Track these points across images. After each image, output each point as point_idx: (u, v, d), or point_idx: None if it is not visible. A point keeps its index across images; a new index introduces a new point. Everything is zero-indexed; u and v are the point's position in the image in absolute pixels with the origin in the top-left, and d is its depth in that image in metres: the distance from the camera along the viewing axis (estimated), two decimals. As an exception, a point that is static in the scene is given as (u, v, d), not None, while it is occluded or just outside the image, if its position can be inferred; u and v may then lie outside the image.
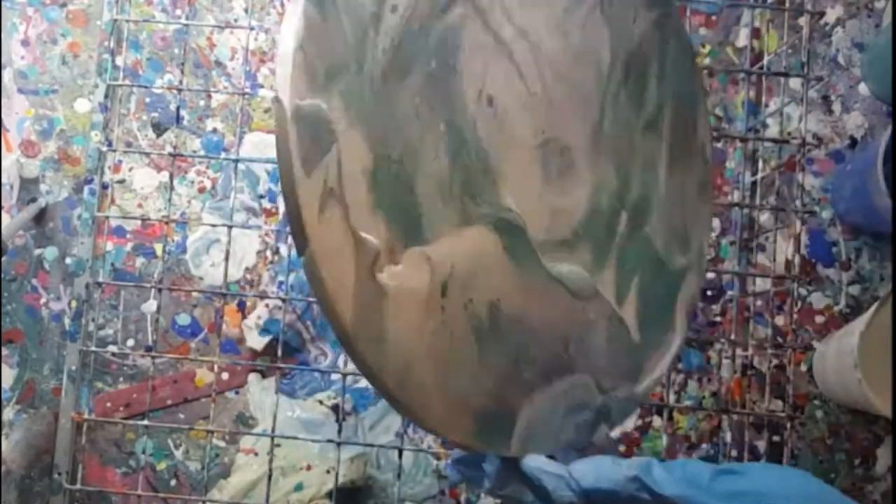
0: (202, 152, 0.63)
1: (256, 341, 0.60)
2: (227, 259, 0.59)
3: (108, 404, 0.62)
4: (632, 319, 0.42)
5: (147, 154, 0.63)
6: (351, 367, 0.61)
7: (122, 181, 0.63)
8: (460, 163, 0.37)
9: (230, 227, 0.59)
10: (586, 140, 0.41)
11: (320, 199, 0.32)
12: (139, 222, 0.63)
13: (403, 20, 0.36)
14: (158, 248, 0.63)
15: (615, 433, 0.61)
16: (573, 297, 0.40)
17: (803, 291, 0.61)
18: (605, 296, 0.41)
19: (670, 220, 0.44)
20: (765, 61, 0.61)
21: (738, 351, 0.60)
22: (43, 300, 0.63)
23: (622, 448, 0.60)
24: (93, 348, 0.60)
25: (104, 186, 0.63)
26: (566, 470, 0.36)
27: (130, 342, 0.62)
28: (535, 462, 0.36)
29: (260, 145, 0.63)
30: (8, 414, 0.62)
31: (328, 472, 0.57)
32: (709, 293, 0.62)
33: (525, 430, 0.37)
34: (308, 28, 0.33)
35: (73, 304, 0.60)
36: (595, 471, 0.35)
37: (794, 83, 0.61)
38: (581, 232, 0.41)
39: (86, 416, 0.60)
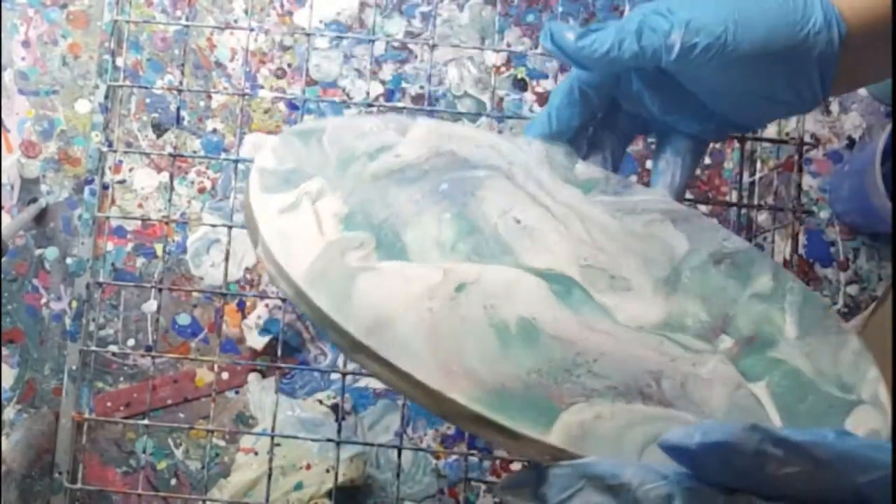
0: (202, 153, 0.63)
1: (256, 341, 0.61)
2: (227, 259, 0.59)
3: (109, 404, 0.62)
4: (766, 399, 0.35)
5: (147, 154, 0.63)
6: (351, 366, 0.61)
7: (122, 181, 0.64)
8: (471, 241, 0.35)
9: (230, 227, 0.59)
10: (651, 282, 0.38)
11: (285, 209, 0.35)
12: (139, 222, 0.63)
13: (407, 161, 0.38)
14: (159, 248, 0.63)
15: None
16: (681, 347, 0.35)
17: (801, 291, 0.61)
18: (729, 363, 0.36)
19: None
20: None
21: (737, 350, 0.60)
22: (43, 300, 0.63)
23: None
24: (93, 348, 0.60)
25: (105, 187, 0.63)
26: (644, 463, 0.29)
27: (131, 342, 0.62)
28: (606, 459, 0.29)
29: (260, 146, 0.63)
30: (8, 413, 0.62)
31: (328, 471, 0.57)
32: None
33: (578, 427, 0.32)
34: (285, 142, 0.38)
35: (74, 303, 0.61)
36: (696, 429, 0.26)
37: (793, 84, 0.62)
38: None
39: (86, 415, 0.60)
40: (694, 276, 0.39)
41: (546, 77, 0.63)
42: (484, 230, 0.36)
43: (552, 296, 0.35)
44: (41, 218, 0.63)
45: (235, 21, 0.64)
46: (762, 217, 0.62)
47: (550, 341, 0.33)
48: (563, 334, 0.33)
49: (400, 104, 0.63)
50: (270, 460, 0.56)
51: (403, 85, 0.64)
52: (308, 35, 0.62)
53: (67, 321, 0.61)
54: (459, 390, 0.31)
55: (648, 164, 0.62)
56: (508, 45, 0.64)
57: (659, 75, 0.41)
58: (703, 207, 0.62)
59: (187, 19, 0.64)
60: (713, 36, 0.37)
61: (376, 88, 0.64)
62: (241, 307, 0.62)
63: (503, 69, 0.64)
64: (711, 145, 0.59)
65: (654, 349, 0.35)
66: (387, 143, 0.39)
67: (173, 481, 0.61)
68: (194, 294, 0.62)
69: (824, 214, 0.62)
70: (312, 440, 0.57)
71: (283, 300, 0.59)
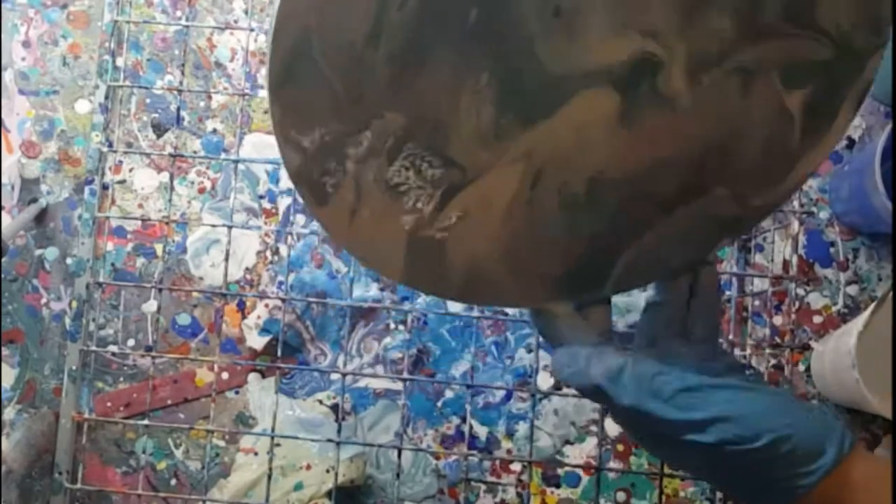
0: (202, 153, 0.63)
1: (256, 341, 0.61)
2: (227, 259, 0.59)
3: (109, 404, 0.62)
4: (798, 112, 0.35)
5: (147, 155, 0.63)
6: (350, 366, 0.61)
7: (122, 182, 0.64)
8: (515, 104, 0.33)
9: (230, 228, 0.59)
10: None
11: (347, 216, 0.34)
12: (139, 223, 0.63)
13: (420, 4, 0.31)
14: (159, 248, 0.63)
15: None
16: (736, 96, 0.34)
17: (801, 291, 0.61)
18: (774, 83, 0.34)
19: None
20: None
21: (737, 351, 0.60)
22: (44, 300, 0.63)
23: (619, 448, 0.60)
24: (93, 348, 0.60)
25: (105, 187, 0.63)
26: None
27: (131, 342, 0.62)
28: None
29: (260, 146, 0.63)
30: (9, 413, 0.62)
31: (328, 471, 0.57)
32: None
33: (623, 270, 0.36)
34: (283, 109, 0.33)
35: (74, 304, 0.61)
36: (570, 363, 0.36)
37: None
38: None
39: (86, 415, 0.60)
40: None
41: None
42: (523, 68, 0.32)
43: (618, 121, 0.34)
44: (41, 218, 0.63)
45: (235, 21, 0.64)
46: (762, 217, 0.62)
47: (612, 188, 0.34)
48: (627, 167, 0.34)
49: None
50: (270, 460, 0.56)
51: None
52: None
53: (67, 321, 0.61)
54: (537, 300, 0.36)
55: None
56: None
57: None
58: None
59: (187, 19, 0.64)
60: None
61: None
62: (241, 307, 0.62)
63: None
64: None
65: (711, 119, 0.34)
66: None
67: (173, 481, 0.61)
68: (194, 294, 0.62)
69: (824, 215, 0.62)
70: (312, 440, 0.57)
71: (283, 300, 0.59)
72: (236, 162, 0.61)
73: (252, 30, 0.62)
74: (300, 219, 0.62)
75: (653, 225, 0.35)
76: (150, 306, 0.63)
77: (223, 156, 0.63)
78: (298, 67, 0.32)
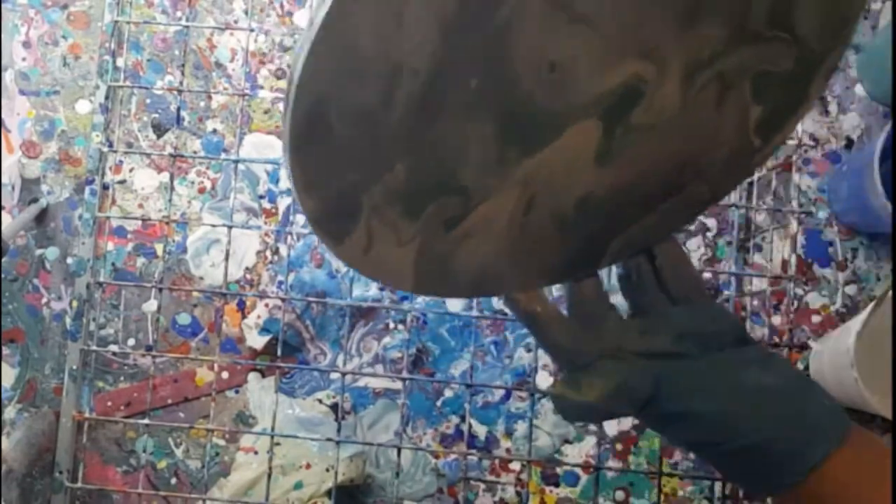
0: (202, 153, 0.64)
1: (256, 341, 0.61)
2: (227, 259, 0.59)
3: (109, 403, 0.62)
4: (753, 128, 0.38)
5: (147, 155, 0.63)
6: (350, 366, 0.61)
7: (122, 182, 0.64)
8: (514, 139, 0.36)
9: (230, 227, 0.60)
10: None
11: (361, 252, 0.37)
12: (140, 222, 0.63)
13: (428, 73, 0.33)
14: (159, 248, 0.63)
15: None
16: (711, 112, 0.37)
17: (800, 291, 0.61)
18: (745, 94, 0.37)
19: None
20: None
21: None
22: (44, 300, 0.63)
23: (618, 447, 0.61)
24: (94, 348, 0.61)
25: (105, 187, 0.63)
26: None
27: (131, 341, 0.63)
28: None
29: (260, 146, 0.63)
30: (9, 413, 0.62)
31: (327, 470, 0.57)
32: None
33: (611, 254, 0.39)
34: (302, 167, 0.34)
35: (75, 303, 0.61)
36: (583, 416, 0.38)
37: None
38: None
39: (87, 414, 0.60)
40: None
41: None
42: (524, 110, 0.35)
43: (595, 161, 0.36)
44: (42, 218, 0.63)
45: (235, 22, 0.64)
46: (761, 217, 0.62)
47: (602, 203, 0.38)
48: (610, 191, 0.37)
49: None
50: (270, 459, 0.57)
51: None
52: (308, 35, 0.62)
53: (68, 321, 0.61)
54: (536, 285, 0.39)
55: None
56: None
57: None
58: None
59: (187, 20, 0.64)
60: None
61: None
62: (241, 307, 0.62)
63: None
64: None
65: (683, 140, 0.37)
66: (391, 62, 0.32)
67: (173, 480, 0.62)
68: (194, 294, 0.62)
69: (823, 214, 0.62)
70: (312, 439, 0.57)
71: (283, 300, 0.59)
72: (236, 162, 0.61)
73: (252, 30, 0.62)
74: (300, 219, 0.62)
75: (637, 220, 0.39)
76: (151, 306, 0.63)
77: (223, 156, 0.63)
78: (316, 131, 0.34)
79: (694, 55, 0.36)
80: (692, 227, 0.62)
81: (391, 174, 0.35)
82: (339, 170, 0.35)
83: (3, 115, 0.64)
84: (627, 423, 0.61)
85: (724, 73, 0.36)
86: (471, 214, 0.37)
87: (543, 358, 0.60)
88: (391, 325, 0.62)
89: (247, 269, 0.63)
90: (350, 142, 0.34)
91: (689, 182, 0.39)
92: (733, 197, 0.62)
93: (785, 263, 0.60)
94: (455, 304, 0.60)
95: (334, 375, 0.61)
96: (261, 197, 0.63)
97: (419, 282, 0.38)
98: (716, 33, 0.35)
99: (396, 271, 0.38)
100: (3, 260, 0.61)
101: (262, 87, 0.64)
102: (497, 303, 0.61)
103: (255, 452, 0.59)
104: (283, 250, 0.63)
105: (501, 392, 0.61)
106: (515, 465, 0.61)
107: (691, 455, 0.60)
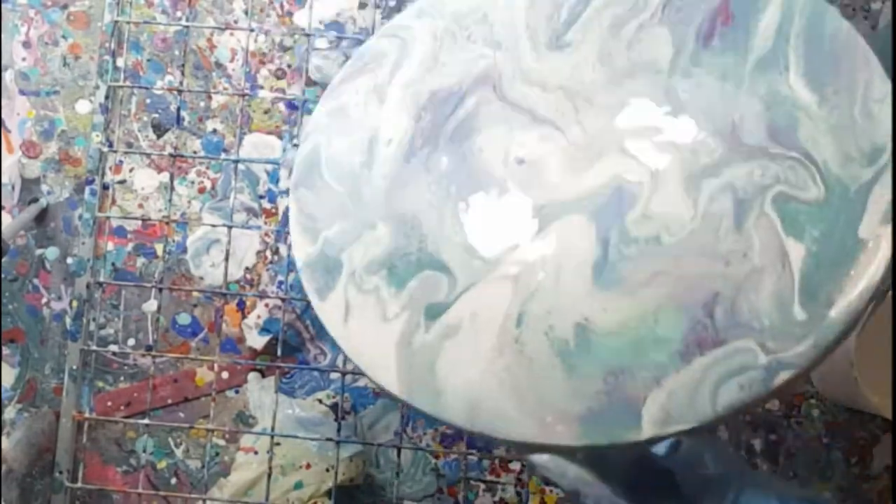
0: (202, 153, 0.64)
1: (256, 340, 0.61)
2: (227, 259, 0.59)
3: (109, 403, 0.62)
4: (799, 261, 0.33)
5: (147, 155, 0.63)
6: (350, 365, 0.61)
7: (122, 182, 0.64)
8: (495, 229, 0.37)
9: (230, 227, 0.60)
10: (656, 110, 0.36)
11: (342, 316, 0.37)
12: (140, 222, 0.63)
13: (403, 145, 0.39)
14: (159, 248, 0.63)
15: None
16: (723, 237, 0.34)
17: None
18: (770, 216, 0.33)
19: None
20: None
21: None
22: (44, 300, 0.63)
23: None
24: (94, 348, 0.61)
25: (105, 187, 0.63)
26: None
27: (131, 341, 0.63)
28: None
29: (259, 146, 0.63)
30: (9, 413, 0.62)
31: (327, 470, 0.57)
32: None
33: (661, 411, 0.32)
34: (299, 204, 0.40)
35: (75, 303, 0.61)
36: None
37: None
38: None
39: (87, 414, 0.60)
40: (690, 85, 0.36)
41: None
42: (499, 199, 0.37)
43: (594, 275, 0.34)
44: (42, 218, 0.63)
45: (235, 22, 0.64)
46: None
47: (606, 337, 0.34)
48: (614, 323, 0.34)
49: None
50: (270, 459, 0.57)
51: (403, 85, 0.64)
52: (308, 36, 0.62)
53: (68, 321, 0.61)
54: (559, 436, 0.33)
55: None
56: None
57: None
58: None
59: (187, 20, 0.64)
60: None
61: (376, 89, 0.64)
62: (241, 307, 0.62)
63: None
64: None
65: (706, 258, 0.34)
66: (373, 131, 0.40)
67: (173, 480, 0.62)
68: (194, 294, 0.62)
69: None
70: (312, 439, 0.57)
71: (283, 300, 0.59)
72: (236, 162, 0.61)
73: (252, 30, 0.62)
74: (300, 219, 0.62)
75: (669, 371, 0.33)
76: (151, 306, 0.63)
77: (223, 156, 0.63)
78: (310, 174, 0.40)
79: (689, 161, 0.35)
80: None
81: (373, 233, 0.38)
82: (327, 216, 0.39)
83: (3, 115, 0.64)
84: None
85: (735, 185, 0.34)
86: (456, 302, 0.36)
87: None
88: (391, 325, 0.62)
89: (247, 269, 0.63)
90: (337, 190, 0.39)
91: (729, 332, 0.33)
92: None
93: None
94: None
95: (334, 375, 0.61)
96: (261, 197, 0.63)
97: (403, 380, 0.35)
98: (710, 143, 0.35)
99: (378, 357, 0.36)
100: (3, 260, 0.62)
101: (262, 87, 0.64)
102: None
103: (255, 452, 0.59)
104: (283, 250, 0.63)
105: (501, 392, 0.61)
106: (515, 465, 0.61)
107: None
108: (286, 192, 0.63)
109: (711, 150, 0.35)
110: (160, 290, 0.61)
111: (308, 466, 0.58)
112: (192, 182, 0.64)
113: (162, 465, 0.62)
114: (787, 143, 0.34)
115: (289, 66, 0.64)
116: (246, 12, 0.64)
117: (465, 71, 0.40)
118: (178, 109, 0.63)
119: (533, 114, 0.38)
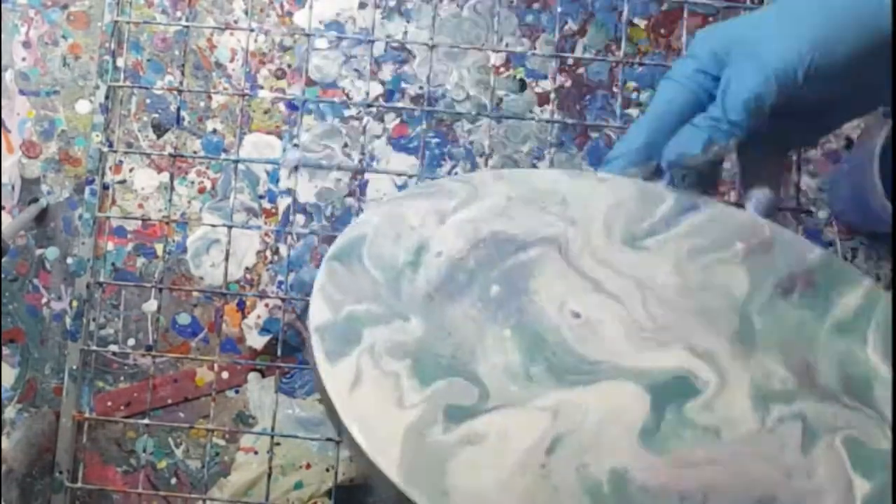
0: (202, 153, 0.64)
1: (256, 340, 0.61)
2: (227, 259, 0.59)
3: (109, 403, 0.62)
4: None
5: (147, 155, 0.63)
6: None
7: (122, 182, 0.64)
8: (542, 360, 0.34)
9: (230, 227, 0.60)
10: (727, 344, 0.36)
11: (351, 382, 0.34)
12: (140, 222, 0.63)
13: (451, 260, 0.37)
14: (159, 248, 0.63)
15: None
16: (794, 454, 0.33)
17: (800, 291, 0.61)
18: (840, 454, 0.33)
19: None
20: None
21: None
22: (44, 300, 0.63)
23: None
24: (94, 348, 0.61)
25: (105, 187, 0.63)
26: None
27: (131, 341, 0.63)
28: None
29: (260, 146, 0.63)
30: (9, 413, 0.62)
31: (328, 470, 0.57)
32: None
33: None
34: (330, 274, 0.37)
35: (75, 303, 0.61)
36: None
37: (791, 84, 0.62)
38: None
39: (87, 414, 0.60)
40: (766, 319, 0.36)
41: (545, 77, 0.64)
42: (548, 338, 0.35)
43: (640, 436, 0.33)
44: (42, 218, 0.63)
45: (235, 22, 0.64)
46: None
47: (643, 495, 0.32)
48: (656, 484, 0.32)
49: (399, 104, 0.63)
50: (270, 459, 0.57)
51: (403, 85, 0.64)
52: (308, 36, 0.62)
53: (68, 321, 0.61)
54: None
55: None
56: (507, 45, 0.64)
57: None
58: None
59: (187, 20, 0.64)
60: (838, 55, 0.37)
61: (376, 89, 0.64)
62: (241, 307, 0.62)
63: (502, 70, 0.64)
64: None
65: (768, 464, 0.33)
66: (424, 240, 0.38)
67: (173, 480, 0.62)
68: (194, 294, 0.62)
69: (822, 214, 0.62)
70: (312, 439, 0.57)
71: (283, 300, 0.59)
72: (236, 162, 0.61)
73: (252, 30, 0.62)
74: (300, 219, 0.62)
75: None
76: (151, 306, 0.63)
77: (223, 156, 0.63)
78: (349, 254, 0.39)
79: (762, 383, 0.34)
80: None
81: (405, 324, 0.36)
82: (357, 294, 0.37)
83: (3, 115, 0.64)
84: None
85: (805, 416, 0.34)
86: (484, 415, 0.33)
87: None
88: (391, 325, 0.62)
89: (247, 269, 0.63)
90: (375, 277, 0.37)
91: None
92: (733, 196, 0.62)
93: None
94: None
95: (334, 375, 0.61)
96: (261, 197, 0.63)
97: (406, 467, 0.32)
98: (780, 371, 0.35)
99: (383, 434, 0.33)
100: (3, 260, 0.61)
101: (262, 87, 0.64)
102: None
103: (255, 452, 0.59)
104: (283, 250, 0.63)
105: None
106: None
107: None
108: (286, 191, 0.63)
109: (784, 379, 0.35)
110: (160, 290, 0.61)
111: (308, 466, 0.58)
112: (192, 182, 0.64)
113: (162, 465, 0.62)
114: (862, 398, 0.34)
115: (289, 66, 0.64)
116: (246, 12, 0.64)
117: (532, 228, 0.38)
118: (178, 109, 0.63)
119: (598, 285, 0.36)
